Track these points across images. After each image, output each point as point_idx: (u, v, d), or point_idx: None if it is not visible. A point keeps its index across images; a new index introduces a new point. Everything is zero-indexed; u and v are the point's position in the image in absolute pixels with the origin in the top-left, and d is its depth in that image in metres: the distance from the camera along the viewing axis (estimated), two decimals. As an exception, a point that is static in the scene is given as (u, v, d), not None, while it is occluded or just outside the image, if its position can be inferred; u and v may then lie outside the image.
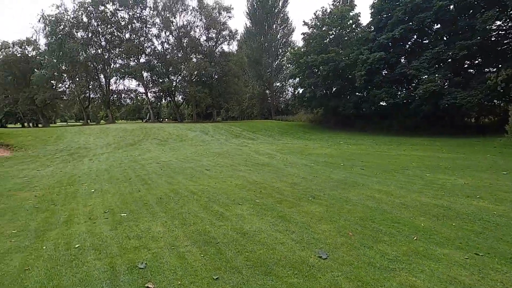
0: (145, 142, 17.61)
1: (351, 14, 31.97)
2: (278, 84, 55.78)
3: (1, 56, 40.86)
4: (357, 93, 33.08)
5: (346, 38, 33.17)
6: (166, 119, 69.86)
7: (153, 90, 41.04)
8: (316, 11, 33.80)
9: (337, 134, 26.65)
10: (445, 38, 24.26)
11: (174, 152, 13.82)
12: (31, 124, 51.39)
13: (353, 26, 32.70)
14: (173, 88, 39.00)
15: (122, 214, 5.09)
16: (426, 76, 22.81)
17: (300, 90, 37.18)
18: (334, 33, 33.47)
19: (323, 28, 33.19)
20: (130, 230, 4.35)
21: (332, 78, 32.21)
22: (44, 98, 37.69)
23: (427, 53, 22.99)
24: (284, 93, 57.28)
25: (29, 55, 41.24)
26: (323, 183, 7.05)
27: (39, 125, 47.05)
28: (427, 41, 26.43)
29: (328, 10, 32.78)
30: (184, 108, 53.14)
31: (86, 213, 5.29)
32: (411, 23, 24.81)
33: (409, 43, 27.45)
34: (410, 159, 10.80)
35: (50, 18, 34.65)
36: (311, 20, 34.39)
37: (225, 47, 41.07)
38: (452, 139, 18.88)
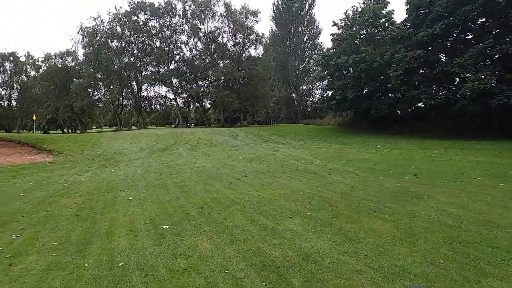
0: (176, 147, 17.62)
1: (383, 12, 30.57)
2: (304, 87, 54.76)
3: (45, 67, 44.00)
4: (390, 94, 31.43)
5: (378, 37, 31.73)
6: (193, 124, 71.30)
7: (182, 95, 41.85)
8: (346, 11, 32.73)
9: (371, 137, 25.23)
10: (493, 32, 22.15)
11: (206, 157, 13.56)
12: (70, 130, 54.70)
13: (386, 24, 31.23)
14: (201, 94, 39.50)
15: (164, 226, 4.69)
16: (470, 74, 20.92)
17: (329, 93, 36.03)
18: (365, 32, 32.16)
19: (354, 28, 31.99)
20: (175, 246, 3.91)
21: (364, 79, 30.84)
22: (81, 106, 39.87)
23: (473, 49, 21.06)
24: (311, 96, 56.11)
25: (69, 66, 43.99)
26: (378, 194, 6.26)
27: (77, 131, 49.90)
28: (470, 37, 24.38)
29: (359, 9, 31.57)
30: (211, 113, 53.77)
31: (127, 223, 4.97)
32: (451, 18, 22.98)
33: (450, 39, 25.47)
34: (469, 166, 9.59)
35: (88, 30, 36.68)
36: (340, 20, 33.38)
37: (252, 51, 41.01)
38: (506, 142, 16.94)
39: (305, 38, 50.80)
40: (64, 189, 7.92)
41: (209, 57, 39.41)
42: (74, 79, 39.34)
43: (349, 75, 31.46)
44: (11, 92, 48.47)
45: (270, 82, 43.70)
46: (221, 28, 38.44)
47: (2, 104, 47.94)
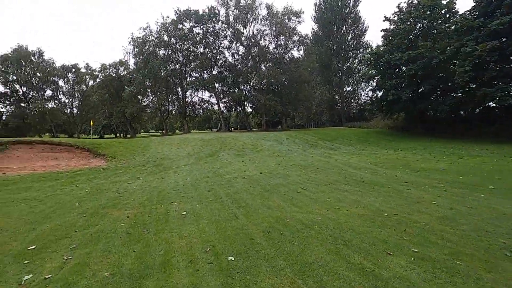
0: (223, 153, 17.15)
1: (443, 2, 27.34)
2: (349, 88, 51.86)
3: (101, 77, 47.69)
4: (451, 94, 27.96)
5: (435, 30, 28.48)
6: (233, 128, 71.99)
7: (224, 100, 42.13)
8: (400, 3, 29.91)
9: (431, 142, 22.44)
10: None
11: (256, 165, 12.74)
12: (121, 135, 58.63)
13: (447, 15, 27.91)
14: (243, 98, 39.33)
15: (229, 258, 3.83)
16: None
17: (379, 94, 33.28)
18: (421, 26, 29.10)
19: (408, 22, 29.12)
20: (249, 293, 3.00)
21: (421, 78, 27.82)
22: (132, 111, 42.27)
23: None
24: (356, 98, 52.94)
25: (121, 74, 47.10)
26: (498, 221, 4.74)
27: (128, 136, 53.20)
28: (560, 22, 20.47)
29: (415, 1, 28.67)
30: (252, 116, 53.57)
31: (184, 249, 4.22)
32: (536, 1, 19.53)
33: (531, 27, 21.67)
34: None
35: (138, 40, 38.79)
36: (393, 14, 30.67)
37: (295, 53, 39.83)
38: None
39: (349, 37, 48.18)
40: (116, 199, 7.61)
41: (251, 60, 39.11)
42: (126, 87, 41.82)
43: (402, 74, 28.70)
44: (73, 100, 53.44)
45: (311, 84, 42.04)
46: (263, 31, 37.94)
47: (66, 111, 52.98)
